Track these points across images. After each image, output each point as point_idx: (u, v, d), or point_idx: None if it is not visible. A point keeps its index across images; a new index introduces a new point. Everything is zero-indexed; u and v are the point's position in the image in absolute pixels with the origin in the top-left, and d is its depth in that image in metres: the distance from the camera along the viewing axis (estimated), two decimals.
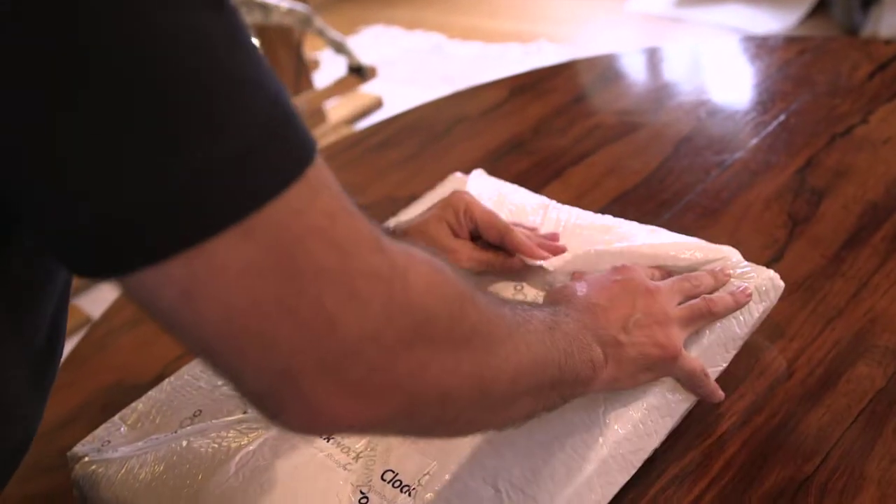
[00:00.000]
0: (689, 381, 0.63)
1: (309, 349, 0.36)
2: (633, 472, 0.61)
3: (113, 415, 0.75)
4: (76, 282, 2.58)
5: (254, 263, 0.34)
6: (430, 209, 0.78)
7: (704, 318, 0.64)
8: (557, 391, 0.53)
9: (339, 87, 2.93)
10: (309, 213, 0.36)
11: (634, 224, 0.79)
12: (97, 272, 0.35)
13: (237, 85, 0.35)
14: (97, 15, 0.32)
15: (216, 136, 0.33)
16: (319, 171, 0.37)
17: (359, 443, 0.62)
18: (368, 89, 3.15)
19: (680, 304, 0.64)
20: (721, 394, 0.65)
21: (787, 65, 1.20)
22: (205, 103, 0.33)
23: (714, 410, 0.66)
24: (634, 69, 1.39)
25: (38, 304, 0.50)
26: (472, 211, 0.75)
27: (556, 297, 0.62)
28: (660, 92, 1.25)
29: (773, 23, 3.09)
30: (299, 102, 2.81)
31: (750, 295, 0.67)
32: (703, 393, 0.64)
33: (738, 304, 0.66)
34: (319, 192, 0.36)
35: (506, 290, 0.75)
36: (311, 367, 0.36)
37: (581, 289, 0.62)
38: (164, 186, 0.33)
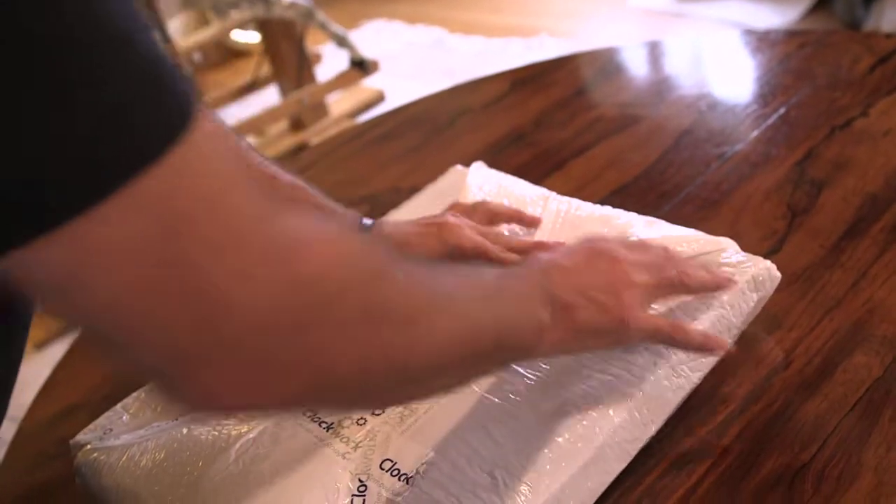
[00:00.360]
0: (661, 340, 0.60)
1: (202, 330, 0.33)
2: (628, 460, 0.61)
3: (115, 405, 0.76)
4: None
5: (139, 236, 0.31)
6: (420, 222, 0.77)
7: (675, 290, 0.62)
8: (495, 358, 0.51)
9: (342, 81, 2.93)
10: (196, 180, 0.33)
11: (633, 215, 0.79)
12: None
13: (111, 40, 0.31)
14: None
15: (93, 93, 0.30)
16: (211, 133, 0.33)
17: (358, 433, 0.62)
18: (370, 83, 3.15)
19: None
20: (722, 341, 0.62)
21: (788, 58, 1.21)
22: (77, 57, 0.30)
23: (712, 398, 0.66)
24: (635, 63, 1.39)
25: None
26: (462, 246, 0.74)
27: (522, 261, 0.62)
28: (661, 85, 1.25)
29: (774, 18, 3.08)
30: (302, 96, 2.82)
31: (733, 282, 0.65)
32: (692, 347, 0.61)
33: (717, 284, 0.64)
34: (208, 156, 0.33)
35: None
36: (205, 350, 0.34)
37: (550, 253, 0.60)
38: (40, 152, 0.30)
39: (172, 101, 0.32)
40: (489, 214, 0.81)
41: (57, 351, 2.11)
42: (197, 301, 0.33)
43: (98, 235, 0.31)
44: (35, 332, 2.12)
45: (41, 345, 2.12)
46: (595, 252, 0.59)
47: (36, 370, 2.04)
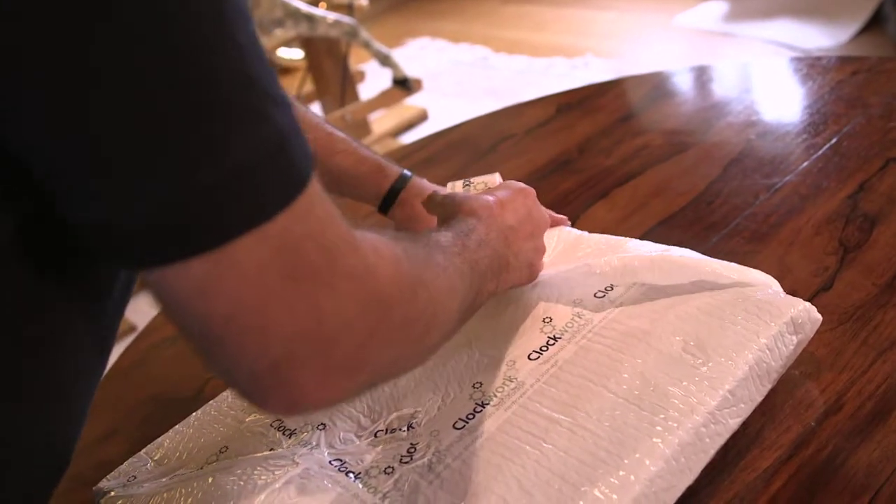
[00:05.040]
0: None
1: (300, 339, 0.40)
2: None
3: (153, 428, 0.76)
4: None
5: (263, 265, 0.39)
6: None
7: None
8: (465, 319, 0.61)
9: (385, 99, 2.94)
10: (308, 221, 0.41)
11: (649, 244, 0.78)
12: (132, 264, 0.40)
13: (261, 97, 0.39)
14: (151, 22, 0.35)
15: (240, 147, 0.38)
16: (315, 183, 0.42)
17: (386, 483, 0.61)
18: (413, 102, 3.17)
19: None
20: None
21: (840, 85, 1.18)
22: (231, 115, 0.38)
23: (758, 443, 0.65)
24: (683, 87, 1.37)
25: (105, 293, 0.52)
26: None
27: (477, 210, 0.67)
28: (708, 111, 1.23)
29: (824, 39, 3.04)
30: (344, 114, 2.83)
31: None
32: None
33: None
34: (315, 201, 0.41)
35: (533, 324, 0.74)
36: (300, 356, 0.40)
37: (497, 207, 0.69)
38: (193, 190, 0.37)
39: (301, 157, 0.41)
40: None
41: None
42: (299, 316, 0.40)
43: (230, 262, 0.38)
44: None
45: None
46: (531, 209, 0.73)
47: None
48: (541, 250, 0.74)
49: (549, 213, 0.86)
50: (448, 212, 0.69)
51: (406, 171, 0.88)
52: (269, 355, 0.40)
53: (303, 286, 0.40)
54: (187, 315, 0.40)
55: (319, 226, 0.41)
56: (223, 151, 0.37)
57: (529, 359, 0.68)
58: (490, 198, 0.69)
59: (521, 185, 0.74)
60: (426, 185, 0.88)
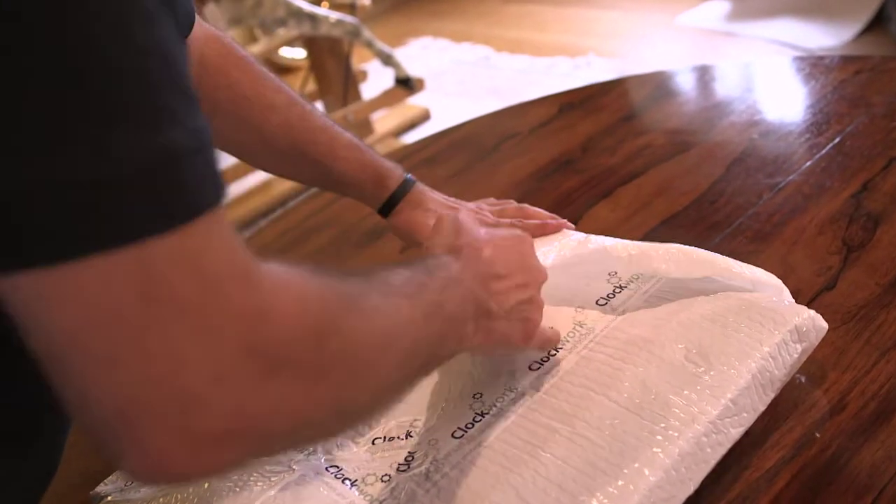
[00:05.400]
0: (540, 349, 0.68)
1: (151, 386, 0.34)
2: None
3: None
4: None
5: (115, 292, 0.34)
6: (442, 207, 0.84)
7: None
8: (421, 372, 0.53)
9: (387, 99, 2.94)
10: (190, 251, 0.35)
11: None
12: None
13: (154, 108, 0.35)
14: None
15: (109, 154, 0.33)
16: (219, 213, 0.37)
17: (382, 490, 0.61)
18: (416, 101, 3.17)
19: None
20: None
21: (843, 85, 1.18)
22: (109, 117, 0.34)
23: (762, 444, 0.64)
24: (685, 87, 1.37)
25: None
26: None
27: (461, 248, 0.61)
28: (711, 111, 1.23)
29: (827, 39, 3.04)
30: (347, 114, 2.83)
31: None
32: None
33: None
34: (212, 232, 0.36)
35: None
36: (151, 409, 0.34)
37: (487, 248, 0.62)
38: (41, 193, 0.33)
39: (183, 195, 0.36)
40: (520, 213, 0.87)
41: None
42: (152, 354, 0.34)
43: (76, 276, 0.33)
44: None
45: None
46: (524, 256, 0.65)
47: None
48: (537, 304, 0.65)
49: (550, 217, 0.85)
50: (433, 242, 0.64)
51: (409, 177, 0.87)
52: (114, 398, 0.34)
53: (162, 323, 0.34)
54: (32, 326, 0.35)
55: (206, 258, 0.36)
56: (89, 154, 0.33)
57: (531, 369, 0.68)
58: (481, 235, 0.63)
59: (520, 232, 0.68)
60: (427, 196, 0.86)
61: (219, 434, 0.36)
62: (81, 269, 0.33)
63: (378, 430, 0.67)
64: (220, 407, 0.35)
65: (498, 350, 0.65)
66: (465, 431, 0.63)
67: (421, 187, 0.87)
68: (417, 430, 0.66)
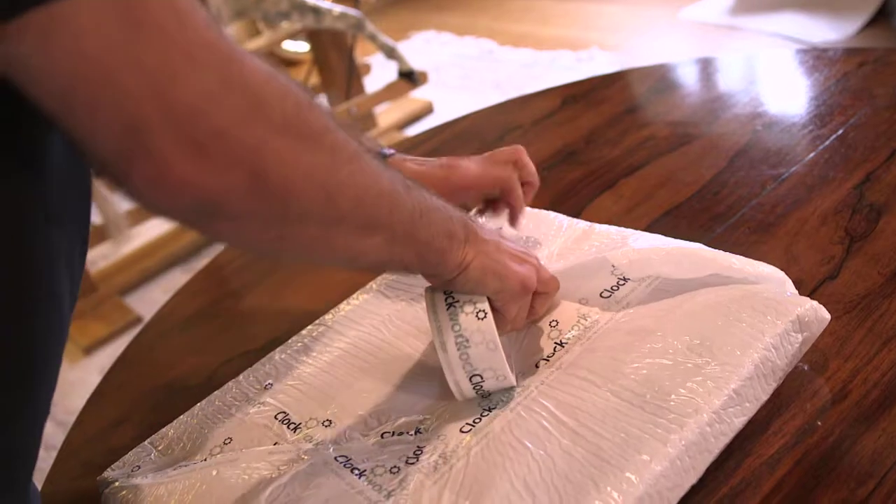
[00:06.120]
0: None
1: (153, 99, 0.38)
2: None
3: (162, 416, 0.76)
4: (126, 280, 2.59)
5: (99, 17, 0.37)
6: (432, 162, 0.81)
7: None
8: (411, 246, 0.55)
9: (390, 92, 2.94)
10: None
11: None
12: None
13: None
14: None
15: None
16: None
17: (391, 481, 0.61)
18: (419, 94, 3.17)
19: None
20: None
21: (847, 77, 1.18)
22: None
23: (764, 430, 0.65)
24: (688, 79, 1.37)
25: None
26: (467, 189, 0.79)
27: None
28: (714, 103, 1.24)
29: (830, 32, 3.03)
30: (350, 107, 2.83)
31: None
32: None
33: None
34: None
35: (540, 329, 0.74)
36: (156, 120, 0.39)
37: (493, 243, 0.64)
38: None
39: None
40: (514, 153, 0.83)
41: (104, 357, 2.15)
42: (149, 71, 0.38)
43: (68, 11, 0.37)
44: (82, 337, 2.17)
45: (89, 350, 2.16)
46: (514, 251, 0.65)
47: (83, 376, 2.08)
48: (537, 267, 0.67)
49: (530, 181, 0.83)
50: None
51: (385, 150, 0.82)
52: (122, 116, 0.38)
53: (150, 43, 0.38)
54: (34, 73, 0.39)
55: None
56: None
57: (537, 366, 0.69)
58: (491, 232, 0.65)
59: (536, 262, 0.68)
60: (406, 159, 0.82)
61: (213, 152, 0.40)
62: (71, 5, 0.37)
63: (387, 425, 0.68)
64: (211, 124, 0.40)
65: (496, 285, 0.63)
66: (473, 426, 0.64)
67: (399, 158, 0.83)
68: (426, 427, 0.66)
